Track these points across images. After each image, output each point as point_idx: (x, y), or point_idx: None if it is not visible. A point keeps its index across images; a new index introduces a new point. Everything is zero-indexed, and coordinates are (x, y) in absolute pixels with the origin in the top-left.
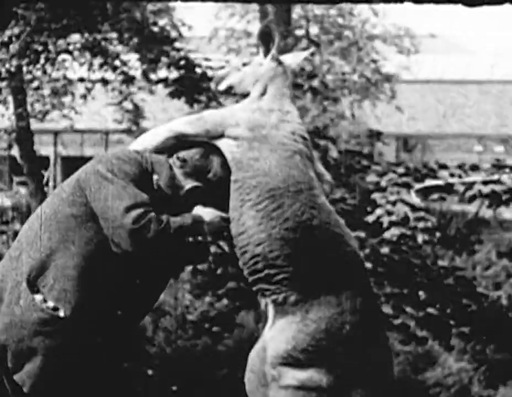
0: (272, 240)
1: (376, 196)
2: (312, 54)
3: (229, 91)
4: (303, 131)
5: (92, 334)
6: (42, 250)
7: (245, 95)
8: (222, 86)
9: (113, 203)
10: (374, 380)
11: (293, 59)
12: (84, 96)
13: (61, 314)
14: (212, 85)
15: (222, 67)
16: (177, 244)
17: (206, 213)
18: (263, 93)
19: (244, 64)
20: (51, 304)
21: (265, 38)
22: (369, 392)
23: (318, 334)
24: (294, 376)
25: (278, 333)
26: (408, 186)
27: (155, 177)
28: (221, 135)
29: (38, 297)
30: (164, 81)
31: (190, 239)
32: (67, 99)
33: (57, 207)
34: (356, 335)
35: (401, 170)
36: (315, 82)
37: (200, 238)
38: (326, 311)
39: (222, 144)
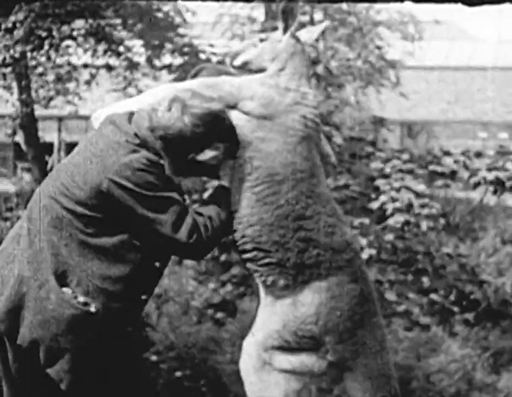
0: (263, 224)
1: (380, 182)
2: (317, 40)
3: (244, 67)
4: (315, 115)
5: (122, 325)
6: (61, 247)
7: (260, 72)
8: (238, 62)
9: (157, 219)
10: (368, 367)
11: (307, 35)
12: (88, 82)
13: (92, 309)
14: (227, 60)
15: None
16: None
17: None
18: (281, 70)
19: (261, 40)
20: (81, 299)
21: (286, 14)
22: (363, 379)
23: (308, 318)
24: (285, 360)
25: (269, 316)
26: (412, 173)
27: (161, 162)
28: (234, 106)
29: (67, 290)
30: (168, 67)
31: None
32: (71, 85)
33: (74, 206)
34: (347, 321)
35: (405, 156)
36: (320, 69)
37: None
38: (316, 296)
39: (233, 115)
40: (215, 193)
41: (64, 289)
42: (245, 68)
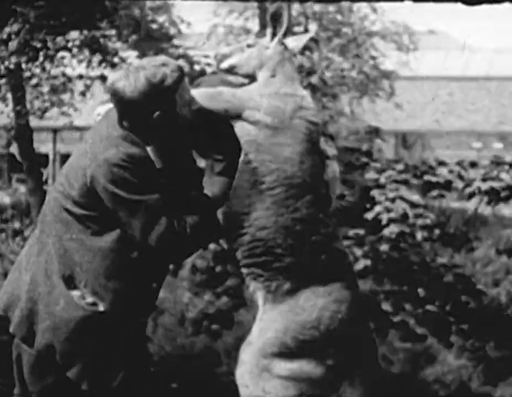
0: (278, 227)
1: (375, 192)
2: (311, 50)
3: (230, 70)
4: (316, 117)
5: (135, 320)
6: (67, 249)
7: (248, 77)
8: (224, 65)
9: (128, 222)
10: (364, 371)
11: (294, 43)
12: (83, 93)
13: (101, 308)
14: (214, 62)
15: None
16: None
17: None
18: (272, 76)
19: (249, 46)
20: (90, 299)
21: (274, 20)
22: (359, 383)
23: (310, 323)
24: (285, 366)
25: (269, 323)
26: (406, 183)
27: (149, 150)
28: (237, 116)
29: (76, 293)
30: None
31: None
32: (66, 96)
33: (72, 206)
34: (346, 325)
35: (400, 166)
36: (314, 79)
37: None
38: (318, 300)
39: (237, 126)
40: (193, 201)
41: (73, 292)
42: (231, 72)
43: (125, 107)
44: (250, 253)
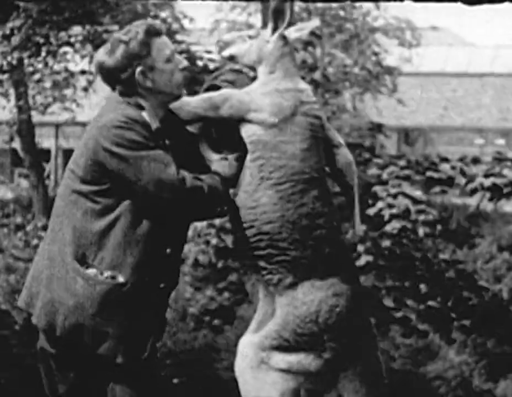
0: (284, 222)
1: (377, 188)
2: (314, 46)
3: (230, 59)
4: (318, 110)
5: (154, 289)
6: (78, 229)
7: (249, 68)
8: (225, 53)
9: (139, 180)
10: (362, 365)
11: (298, 33)
12: (85, 89)
13: (121, 279)
14: (216, 47)
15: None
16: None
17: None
18: (271, 73)
19: (250, 37)
20: (107, 273)
21: (276, 15)
22: (356, 378)
23: (308, 317)
24: (283, 359)
25: (268, 316)
26: (409, 179)
27: (144, 114)
28: (242, 120)
29: (92, 271)
30: None
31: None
32: (68, 92)
33: (80, 185)
34: (345, 319)
35: (402, 163)
36: (317, 75)
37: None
38: (318, 294)
39: (246, 127)
40: None
41: (89, 270)
42: (232, 61)
43: (109, 73)
44: (255, 246)
